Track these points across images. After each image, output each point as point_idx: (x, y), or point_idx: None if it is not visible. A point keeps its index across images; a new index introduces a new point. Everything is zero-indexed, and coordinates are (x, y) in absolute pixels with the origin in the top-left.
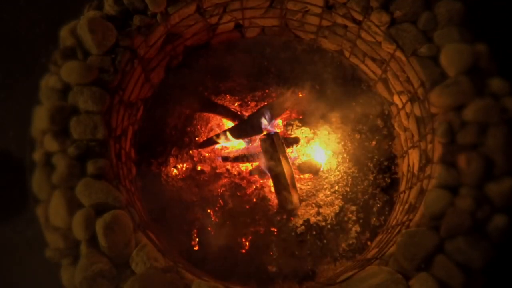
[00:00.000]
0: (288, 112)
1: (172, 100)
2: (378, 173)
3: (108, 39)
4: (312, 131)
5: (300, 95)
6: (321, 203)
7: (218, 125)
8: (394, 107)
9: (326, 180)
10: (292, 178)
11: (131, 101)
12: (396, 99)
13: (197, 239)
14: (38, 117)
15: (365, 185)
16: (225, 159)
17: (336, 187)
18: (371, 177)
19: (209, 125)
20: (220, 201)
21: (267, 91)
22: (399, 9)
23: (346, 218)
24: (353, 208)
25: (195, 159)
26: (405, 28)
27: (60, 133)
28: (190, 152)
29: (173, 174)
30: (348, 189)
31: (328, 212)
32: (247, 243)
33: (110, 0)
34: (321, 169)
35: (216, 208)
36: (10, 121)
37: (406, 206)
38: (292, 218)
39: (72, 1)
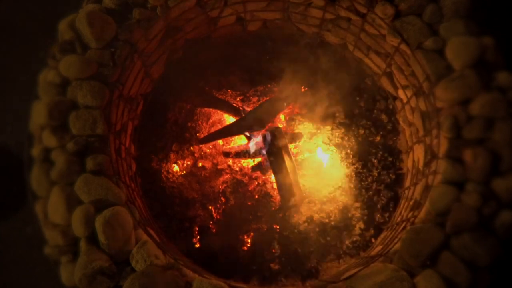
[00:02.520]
0: (290, 107)
1: (172, 95)
2: (383, 169)
3: (107, 33)
4: (315, 126)
5: (303, 90)
6: (325, 199)
7: (220, 120)
8: (398, 101)
9: (329, 176)
10: (295, 174)
11: (131, 96)
12: (401, 93)
13: (198, 236)
14: (36, 112)
15: (369, 181)
16: (227, 154)
17: (340, 183)
18: (375, 173)
19: (210, 120)
20: (222, 197)
21: (269, 85)
22: (404, 1)
23: (350, 215)
24: (357, 204)
25: (196, 155)
26: (410, 21)
27: (59, 128)
28: (191, 147)
29: (174, 170)
30: (352, 186)
31: (332, 208)
32: (249, 240)
33: None
34: (324, 165)
35: (218, 205)
36: (8, 116)
37: (411, 203)
38: (295, 215)
39: None
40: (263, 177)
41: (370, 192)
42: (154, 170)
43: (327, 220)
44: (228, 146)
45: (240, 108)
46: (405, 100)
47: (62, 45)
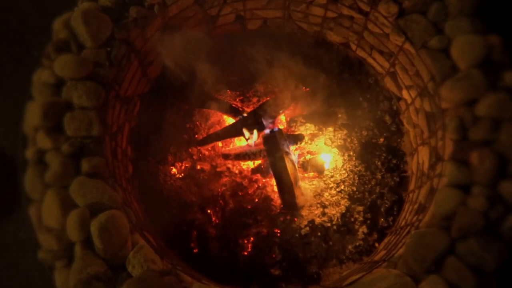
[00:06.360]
0: (291, 107)
1: (170, 95)
2: (386, 172)
3: (103, 32)
4: (317, 127)
5: (304, 90)
6: (327, 203)
7: (219, 122)
8: (402, 102)
9: (331, 179)
10: (296, 177)
11: (128, 97)
12: (405, 93)
13: (197, 241)
14: (30, 113)
15: (372, 184)
16: (226, 157)
17: (342, 187)
18: (378, 176)
19: (209, 121)
20: (221, 201)
21: (269, 86)
22: None
23: (352, 219)
24: (360, 208)
25: (194, 157)
26: (415, 19)
27: (53, 129)
28: (190, 149)
29: (172, 172)
30: (354, 189)
31: (334, 212)
32: (249, 245)
33: None
34: (326, 168)
35: (217, 208)
36: (2, 117)
37: (416, 206)
38: (296, 219)
39: None
40: (263, 180)
41: (374, 196)
42: (151, 172)
43: (329, 224)
44: (228, 148)
45: (240, 108)
46: (409, 101)
47: (57, 44)
